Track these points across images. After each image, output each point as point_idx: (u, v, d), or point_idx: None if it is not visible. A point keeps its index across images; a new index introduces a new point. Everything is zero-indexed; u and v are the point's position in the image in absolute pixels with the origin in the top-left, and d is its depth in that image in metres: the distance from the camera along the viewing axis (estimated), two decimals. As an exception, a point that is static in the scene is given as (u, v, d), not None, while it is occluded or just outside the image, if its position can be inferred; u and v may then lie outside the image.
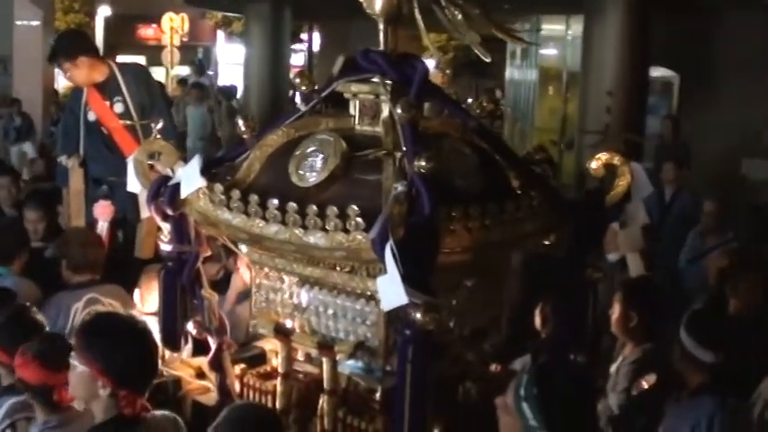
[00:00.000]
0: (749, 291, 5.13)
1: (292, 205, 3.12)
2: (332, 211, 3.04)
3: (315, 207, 3.08)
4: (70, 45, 6.32)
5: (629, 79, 10.96)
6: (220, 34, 30.24)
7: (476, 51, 3.44)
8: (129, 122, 6.14)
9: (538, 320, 4.89)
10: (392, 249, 2.76)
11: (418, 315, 2.83)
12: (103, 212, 5.93)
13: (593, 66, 11.36)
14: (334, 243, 3.05)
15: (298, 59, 23.84)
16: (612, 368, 4.54)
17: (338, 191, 3.20)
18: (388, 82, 3.37)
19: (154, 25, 26.31)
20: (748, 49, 12.15)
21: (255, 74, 16.15)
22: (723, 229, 7.60)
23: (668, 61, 13.13)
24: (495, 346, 3.75)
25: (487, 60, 3.36)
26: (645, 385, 4.15)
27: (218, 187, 3.36)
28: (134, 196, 5.85)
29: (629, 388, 4.27)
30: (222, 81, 23.25)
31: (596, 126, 10.87)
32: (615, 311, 4.54)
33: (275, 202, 3.16)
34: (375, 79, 3.42)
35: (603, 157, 3.63)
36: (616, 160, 3.63)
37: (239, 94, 17.91)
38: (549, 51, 16.68)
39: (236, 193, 3.30)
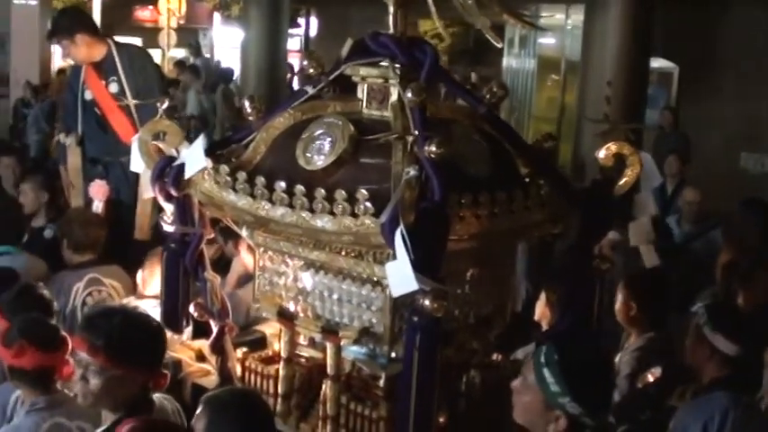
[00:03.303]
0: (762, 286, 5.11)
1: (300, 188, 3.08)
2: (340, 194, 3.00)
3: (323, 190, 3.04)
4: (70, 22, 6.29)
5: (629, 70, 10.90)
6: (217, 17, 30.11)
7: (487, 36, 3.39)
8: (122, 103, 6.10)
9: (539, 310, 4.87)
10: (402, 235, 2.73)
11: (427, 302, 2.80)
12: (98, 192, 5.91)
13: (593, 55, 11.31)
14: (341, 227, 3.01)
15: (294, 44, 23.71)
16: (617, 358, 4.53)
17: (346, 174, 3.16)
18: (398, 66, 3.34)
19: (150, 7, 26.14)
20: (748, 42, 12.13)
21: (253, 57, 16.02)
22: (703, 217, 7.61)
23: (667, 52, 13.10)
24: (497, 336, 3.72)
25: (499, 45, 3.33)
26: (650, 378, 4.14)
27: (224, 168, 3.32)
28: (128, 176, 5.92)
29: (632, 376, 4.26)
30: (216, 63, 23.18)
31: (596, 116, 10.83)
32: (618, 301, 4.54)
33: (282, 184, 3.13)
34: (384, 63, 3.38)
35: (613, 146, 3.59)
36: (626, 150, 3.59)
37: (236, 78, 17.82)
38: (548, 40, 16.62)
39: (242, 175, 3.26)
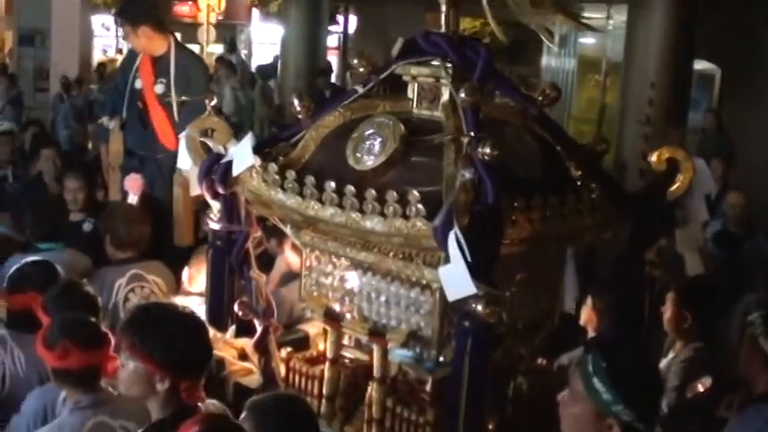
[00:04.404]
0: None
1: (350, 188, 3.05)
2: (391, 196, 2.97)
3: (373, 191, 3.01)
4: (137, 12, 6.27)
5: (672, 71, 10.79)
6: (255, 13, 30.19)
7: (541, 36, 3.34)
8: (167, 100, 6.10)
9: (585, 315, 4.81)
10: (457, 238, 2.69)
11: (479, 307, 2.76)
12: (133, 185, 5.90)
13: (636, 56, 11.19)
14: (392, 229, 2.98)
15: (332, 41, 23.72)
16: (662, 364, 4.45)
17: (396, 175, 3.12)
18: (450, 65, 3.29)
19: (190, 2, 26.23)
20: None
21: (292, 54, 16.05)
22: (747, 221, 7.52)
23: (709, 54, 12.95)
24: (543, 340, 3.67)
25: (553, 46, 3.27)
26: (700, 388, 4.07)
27: (273, 167, 3.30)
28: (163, 173, 5.92)
29: (680, 387, 4.19)
30: (256, 61, 23.21)
31: (638, 117, 10.75)
32: (668, 311, 4.46)
33: (332, 184, 3.10)
34: (435, 62, 3.34)
35: (666, 151, 3.52)
36: (679, 155, 3.53)
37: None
38: (589, 40, 16.48)
39: (291, 174, 3.24)
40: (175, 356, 2.99)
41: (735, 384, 3.91)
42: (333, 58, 21.62)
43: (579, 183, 3.35)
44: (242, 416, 2.96)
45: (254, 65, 21.13)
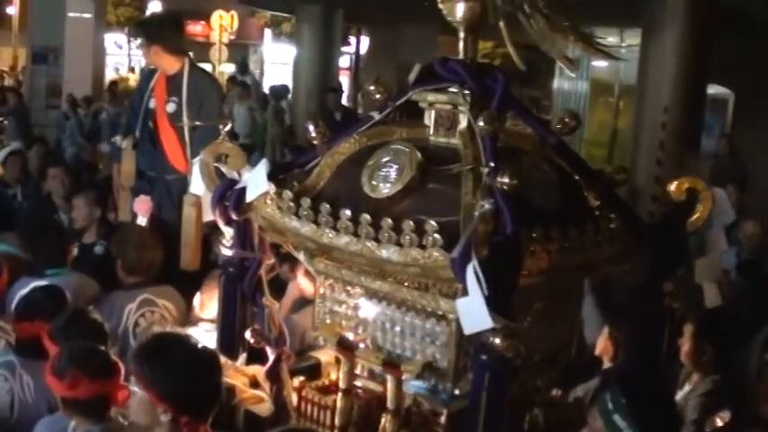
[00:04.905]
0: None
1: (366, 217, 3.01)
2: (408, 225, 2.92)
3: (390, 220, 2.96)
4: (153, 30, 6.29)
5: (685, 96, 10.75)
6: (267, 33, 30.32)
7: (559, 63, 3.31)
8: (177, 124, 6.07)
9: (601, 345, 4.75)
10: (475, 270, 2.64)
11: (497, 340, 2.71)
12: (142, 207, 5.87)
13: (649, 80, 11.16)
14: (408, 259, 2.93)
15: (344, 62, 23.80)
16: (678, 397, 4.39)
17: (413, 204, 3.08)
18: (467, 92, 3.25)
19: (202, 22, 26.36)
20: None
21: (304, 75, 16.10)
22: (762, 250, 7.45)
23: (723, 79, 12.92)
24: (559, 372, 3.62)
25: (572, 75, 3.24)
26: (719, 422, 4.01)
27: (287, 194, 3.25)
28: (172, 195, 5.89)
29: (699, 420, 4.12)
30: (268, 81, 23.28)
31: (651, 142, 10.70)
32: (686, 344, 4.40)
33: (348, 212, 3.06)
34: (453, 89, 3.30)
35: (685, 181, 3.48)
36: (698, 185, 3.48)
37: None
38: (602, 63, 16.48)
39: (306, 201, 3.19)
40: (176, 391, 2.97)
41: (754, 418, 3.85)
42: (344, 79, 21.68)
43: (598, 213, 3.31)
44: None
45: (265, 85, 21.17)
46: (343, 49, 21.90)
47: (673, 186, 3.54)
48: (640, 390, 2.74)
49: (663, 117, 10.60)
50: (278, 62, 29.09)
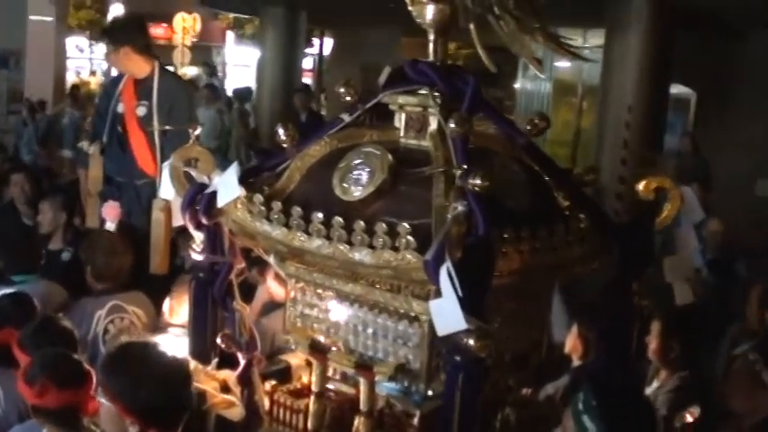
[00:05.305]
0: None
1: (338, 220, 3.00)
2: (380, 227, 2.91)
3: (362, 223, 2.95)
4: (121, 32, 6.25)
5: (648, 95, 10.85)
6: (230, 36, 30.19)
7: (528, 64, 3.33)
8: (147, 129, 6.03)
9: (570, 344, 4.79)
10: (449, 272, 2.65)
11: (471, 341, 2.71)
12: (111, 213, 5.84)
13: (613, 80, 11.25)
14: (381, 261, 2.92)
15: (307, 63, 23.76)
16: (646, 393, 4.43)
17: (385, 207, 3.07)
18: (438, 94, 3.26)
19: (164, 24, 26.21)
20: (764, 67, 12.07)
21: (268, 77, 16.04)
22: (726, 248, 7.54)
23: (685, 78, 13.04)
24: (530, 371, 3.64)
25: (542, 76, 3.26)
26: (689, 418, 4.04)
27: (258, 198, 3.24)
28: (141, 200, 5.85)
29: (668, 417, 4.16)
30: (230, 83, 23.18)
31: (615, 141, 10.79)
32: (654, 341, 4.45)
33: (320, 215, 3.05)
34: (423, 91, 3.30)
35: (654, 180, 3.50)
36: (666, 184, 3.51)
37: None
38: (565, 64, 16.58)
39: (277, 205, 3.18)
40: (142, 404, 2.95)
41: (723, 414, 3.89)
42: (307, 80, 21.63)
43: (567, 213, 3.33)
44: None
45: (228, 87, 21.09)
46: (307, 50, 21.88)
47: (641, 185, 3.56)
48: (611, 390, 2.75)
49: (626, 116, 10.69)
50: (240, 64, 28.98)
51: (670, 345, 4.47)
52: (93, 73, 28.82)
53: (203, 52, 27.49)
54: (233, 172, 3.35)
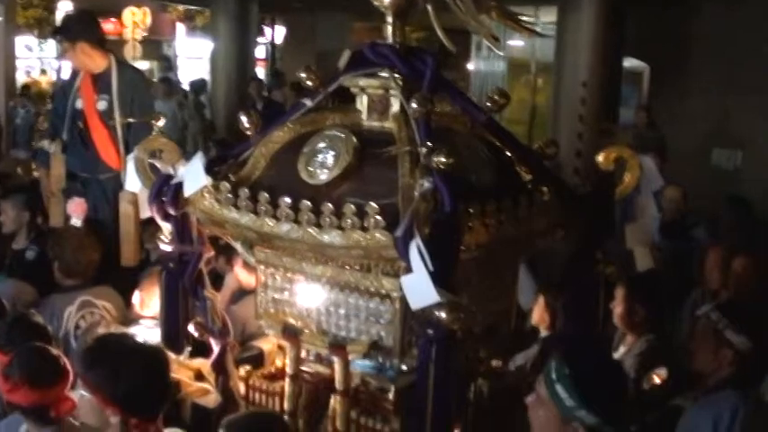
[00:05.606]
0: (740, 280, 5.15)
1: (306, 203, 3.04)
2: (349, 209, 2.96)
3: (330, 205, 3.00)
4: (76, 27, 6.22)
5: (602, 70, 10.96)
6: (181, 28, 29.92)
7: (488, 43, 3.38)
8: (110, 123, 6.02)
9: (537, 315, 4.87)
10: (419, 247, 2.70)
11: (443, 314, 2.77)
12: (77, 209, 5.82)
13: (566, 57, 11.34)
14: (351, 241, 2.97)
15: (259, 52, 23.64)
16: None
17: (351, 188, 3.12)
18: (398, 76, 3.31)
19: (113, 19, 25.93)
20: (718, 40, 12.21)
21: (222, 68, 15.97)
22: (684, 216, 7.65)
23: (638, 52, 13.16)
24: (499, 342, 3.71)
25: (500, 54, 3.32)
26: (657, 380, 4.14)
27: (225, 186, 3.27)
28: (107, 195, 5.84)
29: (637, 379, 4.25)
30: (182, 75, 23.00)
31: (570, 117, 10.89)
32: (619, 306, 4.53)
33: (287, 200, 3.08)
34: (384, 73, 3.35)
35: (613, 150, 3.58)
36: (625, 154, 3.59)
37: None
38: (518, 42, 16.64)
39: (244, 192, 3.21)
40: (123, 394, 2.98)
41: (689, 374, 3.98)
42: (260, 70, 21.53)
43: (530, 186, 3.39)
44: None
45: (182, 79, 20.93)
46: (259, 39, 21.77)
47: (601, 156, 3.64)
48: (582, 357, 2.79)
49: (581, 92, 10.78)
50: (192, 56, 28.75)
51: (634, 309, 4.56)
52: (43, 72, 28.47)
53: (154, 46, 27.25)
54: (198, 161, 3.37)
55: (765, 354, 3.78)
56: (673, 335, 4.96)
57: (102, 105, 6.02)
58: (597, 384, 2.68)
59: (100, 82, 6.10)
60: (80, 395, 3.08)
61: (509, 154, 3.46)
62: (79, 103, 6.14)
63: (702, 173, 11.65)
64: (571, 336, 3.53)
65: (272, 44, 25.28)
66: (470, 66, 20.09)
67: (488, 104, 3.43)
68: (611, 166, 3.60)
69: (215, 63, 16.49)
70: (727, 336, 3.65)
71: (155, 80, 16.76)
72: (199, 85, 16.50)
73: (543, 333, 4.88)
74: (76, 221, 5.71)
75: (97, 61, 6.12)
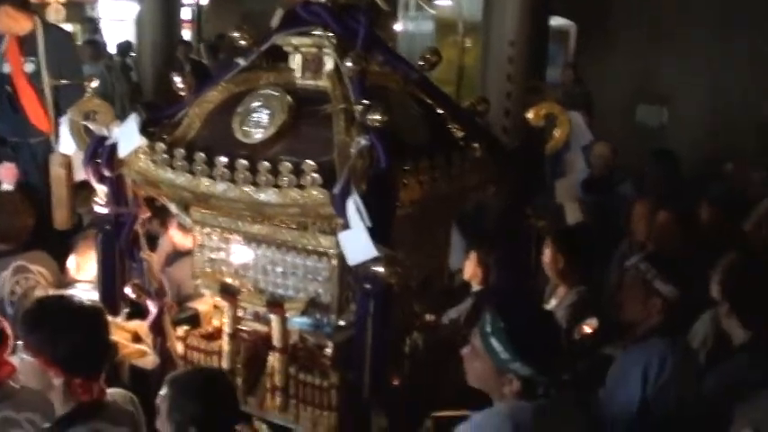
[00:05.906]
0: (664, 233, 5.28)
1: (242, 162, 3.05)
2: (285, 167, 2.98)
3: (266, 164, 3.02)
4: None
5: (529, 29, 10.98)
6: (105, -10, 29.33)
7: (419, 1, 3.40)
8: (38, 86, 5.93)
9: (469, 270, 4.94)
10: (356, 203, 2.74)
11: (380, 269, 2.82)
12: (8, 174, 5.75)
13: (493, 16, 11.35)
14: (287, 200, 3.00)
15: (185, 14, 23.30)
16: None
17: (287, 147, 3.14)
18: (332, 34, 3.32)
19: (34, -19, 25.35)
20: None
21: (148, 30, 15.69)
22: (612, 172, 7.78)
23: (564, 10, 13.26)
24: (433, 297, 3.77)
25: (433, 11, 3.34)
26: (587, 329, 4.24)
27: (160, 146, 3.26)
28: (37, 160, 5.77)
29: (568, 330, 4.35)
30: (107, 38, 22.58)
31: (499, 76, 10.93)
32: (548, 257, 4.63)
33: (223, 159, 3.09)
34: (317, 32, 3.36)
35: (543, 107, 3.65)
36: (555, 110, 3.66)
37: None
38: (446, 2, 16.65)
39: (179, 152, 3.21)
40: (65, 354, 2.99)
41: (618, 324, 4.08)
42: (186, 32, 21.23)
43: (463, 143, 3.45)
44: (162, 391, 2.97)
45: (108, 42, 20.56)
46: (185, 1, 21.44)
47: (530, 113, 3.71)
48: (515, 310, 2.85)
49: (509, 51, 10.82)
50: (116, 18, 28.24)
51: (556, 257, 4.67)
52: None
53: (77, 8, 26.69)
54: (133, 122, 3.36)
55: (692, 302, 3.89)
56: (602, 286, 5.07)
57: (29, 68, 5.93)
58: (530, 337, 2.75)
59: (26, 45, 6.01)
60: (20, 359, 3.07)
61: (441, 111, 3.50)
62: (6, 67, 6.04)
63: (628, 129, 11.84)
64: (504, 289, 3.60)
65: (199, 6, 24.92)
66: (398, 26, 20.06)
67: (421, 63, 3.47)
68: (540, 122, 3.67)
69: (140, 25, 16.18)
70: (655, 285, 3.75)
71: (79, 43, 16.42)
72: (125, 48, 16.24)
73: (475, 288, 4.97)
74: (8, 186, 5.64)
75: (22, 23, 6.02)
